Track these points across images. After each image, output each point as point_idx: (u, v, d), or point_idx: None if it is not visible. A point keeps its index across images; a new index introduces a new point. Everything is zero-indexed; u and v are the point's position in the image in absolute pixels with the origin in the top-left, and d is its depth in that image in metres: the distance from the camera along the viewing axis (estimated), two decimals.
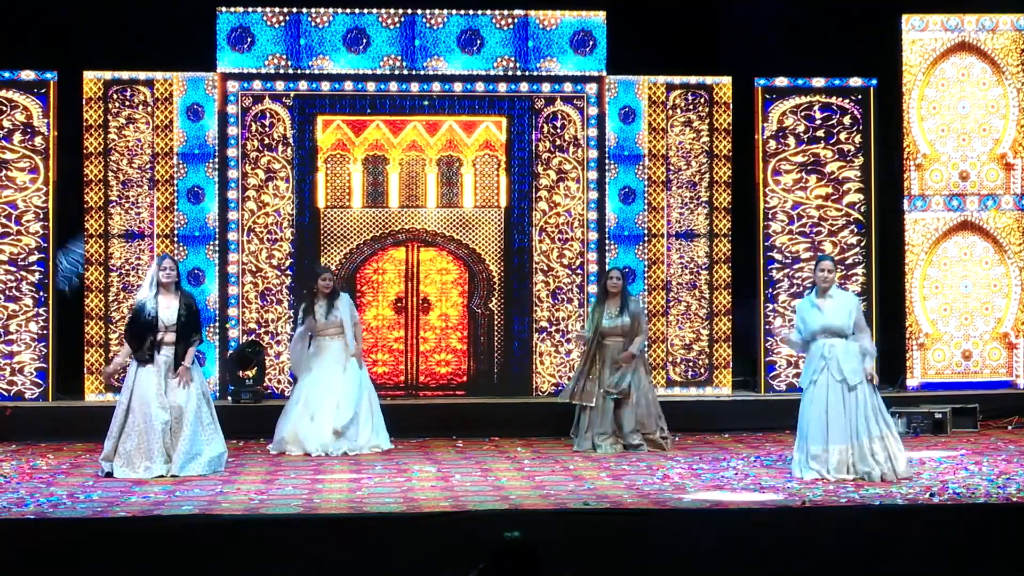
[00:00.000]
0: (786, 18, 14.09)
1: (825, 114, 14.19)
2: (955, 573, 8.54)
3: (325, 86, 13.86)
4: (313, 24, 13.79)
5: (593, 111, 14.03)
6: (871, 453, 10.30)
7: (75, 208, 13.64)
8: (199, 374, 11.05)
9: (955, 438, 12.85)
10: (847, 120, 14.18)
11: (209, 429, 10.91)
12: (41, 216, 13.49)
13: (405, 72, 13.90)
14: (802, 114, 14.15)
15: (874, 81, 14.24)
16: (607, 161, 14.05)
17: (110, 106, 13.66)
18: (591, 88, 14.03)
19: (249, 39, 13.73)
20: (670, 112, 14.14)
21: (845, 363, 10.34)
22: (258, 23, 13.74)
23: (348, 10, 13.83)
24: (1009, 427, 13.54)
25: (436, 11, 13.89)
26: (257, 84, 13.77)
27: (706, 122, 14.18)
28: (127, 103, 13.68)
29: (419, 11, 13.87)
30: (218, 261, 13.70)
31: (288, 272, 13.82)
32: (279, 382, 13.75)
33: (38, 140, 13.50)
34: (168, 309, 10.80)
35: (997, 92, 14.31)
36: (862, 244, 14.18)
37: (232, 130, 13.75)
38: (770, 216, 14.13)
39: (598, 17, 14.02)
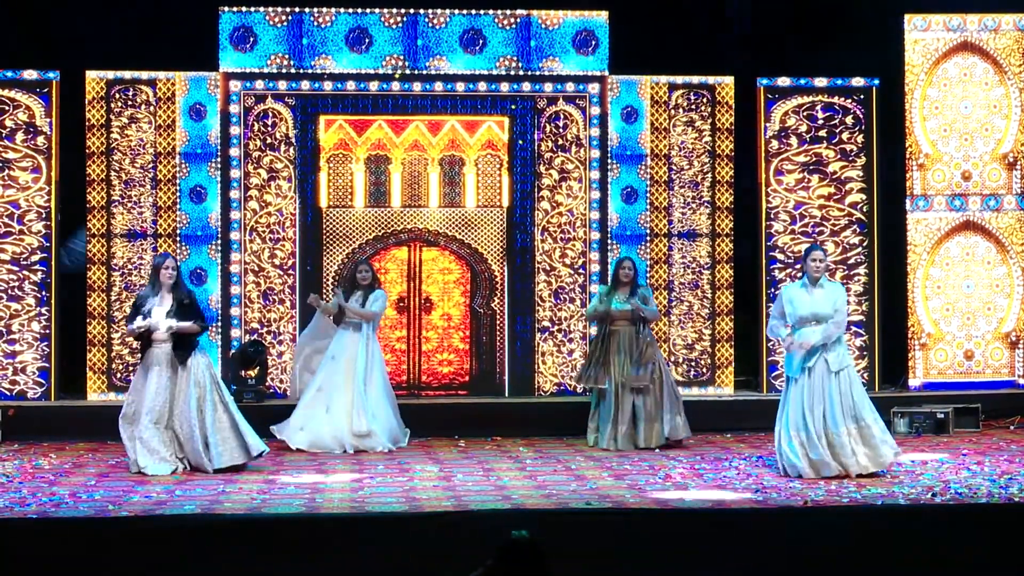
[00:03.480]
0: (788, 18, 14.09)
1: (827, 114, 14.18)
2: (956, 573, 8.54)
3: (327, 86, 13.87)
4: (315, 24, 13.80)
5: (595, 111, 14.03)
6: (849, 443, 10.36)
7: (77, 207, 13.65)
8: (203, 363, 11.11)
9: (957, 438, 12.85)
10: (849, 120, 14.18)
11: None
12: (43, 216, 13.49)
13: (407, 72, 13.90)
14: (804, 114, 14.15)
15: (876, 81, 14.23)
16: (609, 161, 14.05)
17: (112, 106, 13.66)
18: (593, 88, 14.03)
19: (251, 39, 13.73)
20: (672, 112, 14.13)
21: (831, 350, 10.46)
22: (260, 23, 13.74)
23: (350, 10, 13.83)
24: (1011, 427, 13.54)
25: (438, 11, 13.89)
26: (260, 84, 13.78)
27: (708, 122, 14.17)
28: (129, 103, 13.68)
29: (421, 11, 13.87)
30: (220, 261, 13.70)
31: (291, 272, 13.82)
32: (281, 382, 13.75)
33: (40, 140, 13.51)
34: (160, 308, 11.00)
35: (999, 92, 14.30)
36: (864, 244, 14.17)
37: (234, 129, 13.75)
38: (772, 216, 14.13)
39: (600, 17, 14.02)
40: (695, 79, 14.20)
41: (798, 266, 14.05)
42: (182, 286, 11.18)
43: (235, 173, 13.75)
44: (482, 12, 13.94)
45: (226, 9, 13.72)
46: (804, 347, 10.46)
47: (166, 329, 10.92)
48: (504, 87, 14.00)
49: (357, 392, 12.24)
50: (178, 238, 13.66)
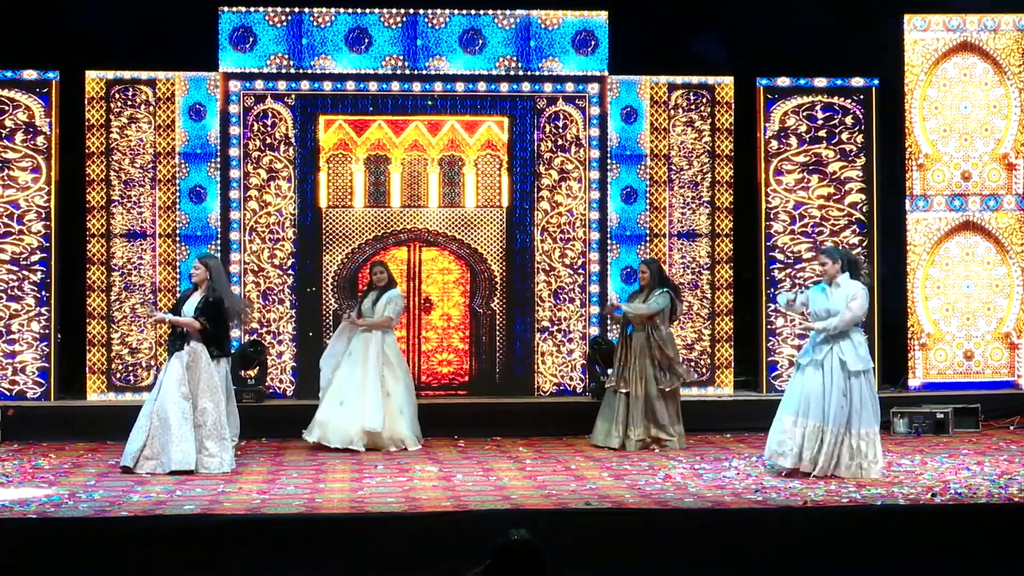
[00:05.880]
0: (788, 18, 14.09)
1: (827, 114, 14.19)
2: (956, 573, 8.54)
3: (327, 86, 13.87)
4: (315, 24, 13.80)
5: (595, 111, 14.03)
6: (850, 447, 10.36)
7: (77, 208, 13.65)
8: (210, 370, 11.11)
9: (957, 438, 12.86)
10: (849, 120, 14.18)
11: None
12: (43, 216, 13.49)
13: (407, 72, 13.90)
14: (804, 114, 14.15)
15: (876, 81, 14.24)
16: (609, 161, 14.05)
17: (112, 106, 13.66)
18: (593, 88, 14.03)
19: (251, 39, 13.73)
20: (672, 112, 14.13)
21: (847, 350, 10.43)
22: (260, 23, 13.75)
23: (350, 10, 13.83)
24: (1011, 427, 13.55)
25: (438, 11, 13.89)
26: (259, 84, 13.78)
27: (708, 122, 14.18)
28: (129, 103, 13.68)
29: (421, 11, 13.87)
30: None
31: (290, 272, 13.82)
32: (281, 382, 13.75)
33: (40, 140, 13.51)
34: (189, 304, 11.13)
35: (999, 92, 14.31)
36: (864, 244, 14.17)
37: (234, 129, 13.75)
38: (772, 216, 14.13)
39: (600, 17, 14.02)
40: (695, 79, 14.20)
41: (798, 266, 14.08)
42: (215, 287, 11.15)
43: (235, 173, 13.75)
44: (482, 12, 13.94)
45: (226, 9, 13.72)
46: (791, 304, 10.76)
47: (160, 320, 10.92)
48: (504, 87, 14.00)
49: (372, 391, 12.20)
50: (178, 238, 13.66)
